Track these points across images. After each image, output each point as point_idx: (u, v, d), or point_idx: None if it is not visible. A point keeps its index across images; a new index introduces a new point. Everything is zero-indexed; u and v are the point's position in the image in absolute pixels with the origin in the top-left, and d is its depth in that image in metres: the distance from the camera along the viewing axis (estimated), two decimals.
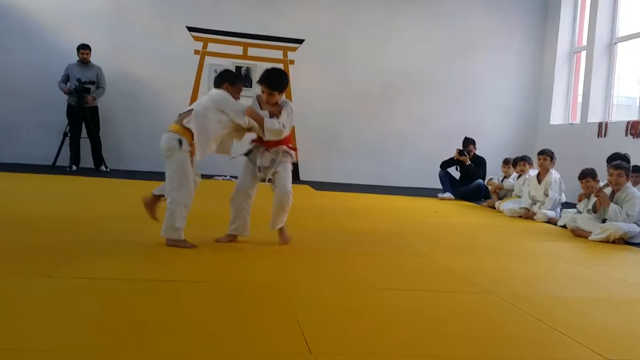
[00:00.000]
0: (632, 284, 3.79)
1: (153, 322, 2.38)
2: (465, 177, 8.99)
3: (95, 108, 9.24)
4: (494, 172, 8.76)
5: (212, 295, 2.85)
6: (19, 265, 3.12)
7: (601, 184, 5.83)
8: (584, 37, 10.14)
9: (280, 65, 10.22)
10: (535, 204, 7.02)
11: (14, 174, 7.80)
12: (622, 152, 6.51)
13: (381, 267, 3.75)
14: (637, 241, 5.41)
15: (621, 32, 9.35)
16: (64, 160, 9.01)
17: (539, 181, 7.01)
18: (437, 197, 8.77)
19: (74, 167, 8.98)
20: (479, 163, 8.97)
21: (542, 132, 10.73)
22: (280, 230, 4.19)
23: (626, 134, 8.41)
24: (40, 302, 2.55)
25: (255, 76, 10.17)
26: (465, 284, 3.42)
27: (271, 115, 4.07)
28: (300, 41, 10.26)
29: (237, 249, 3.94)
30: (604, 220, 5.54)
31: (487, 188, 8.47)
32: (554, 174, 6.94)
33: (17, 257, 3.29)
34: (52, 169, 8.86)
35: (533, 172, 7.32)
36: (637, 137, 8.20)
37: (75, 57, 9.16)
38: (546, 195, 6.90)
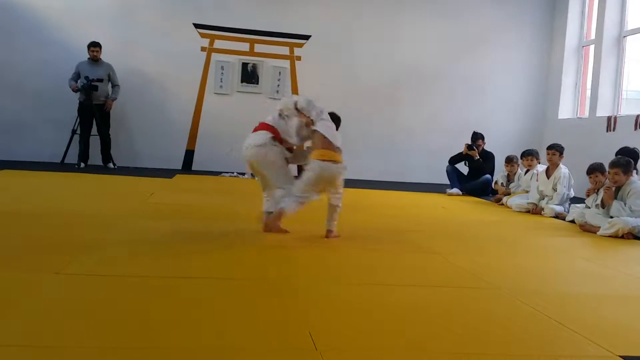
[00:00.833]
0: None
1: (160, 318, 2.39)
2: (474, 172, 8.96)
3: (103, 105, 9.24)
4: (500, 168, 8.71)
5: (219, 291, 2.85)
6: (28, 262, 3.14)
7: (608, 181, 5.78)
8: (593, 31, 10.06)
9: (287, 62, 10.25)
10: (543, 199, 6.98)
11: (22, 171, 7.83)
12: (631, 146, 6.45)
13: (389, 264, 3.75)
14: None
15: (630, 25, 9.26)
16: (73, 157, 9.05)
17: (548, 176, 6.97)
18: (445, 192, 8.74)
19: (82, 165, 9.01)
20: (488, 158, 8.92)
21: (550, 126, 10.67)
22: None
23: (635, 128, 8.34)
24: (48, 299, 2.56)
25: (262, 72, 10.20)
26: (474, 280, 3.41)
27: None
28: (306, 37, 10.25)
29: (245, 247, 3.94)
30: (612, 216, 5.51)
31: (494, 182, 8.44)
32: (563, 169, 6.89)
33: (26, 254, 3.31)
34: (61, 166, 8.89)
35: (541, 167, 7.28)
36: None
37: (85, 55, 9.17)
38: (555, 190, 6.86)
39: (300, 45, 10.25)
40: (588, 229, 5.61)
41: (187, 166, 9.97)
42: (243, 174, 8.96)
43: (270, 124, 4.41)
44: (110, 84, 9.26)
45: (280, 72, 10.23)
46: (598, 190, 5.88)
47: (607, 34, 9.35)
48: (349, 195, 7.59)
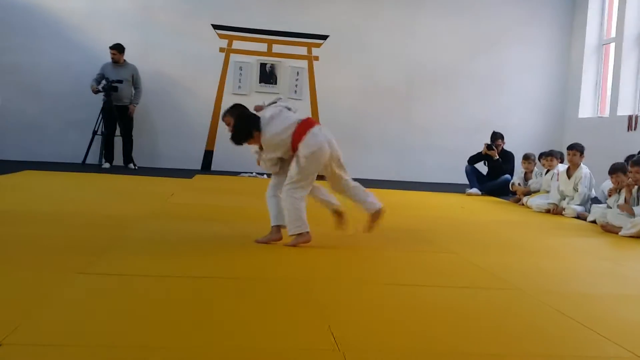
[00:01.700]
0: None
1: (182, 317, 2.42)
2: (493, 172, 8.91)
3: (127, 107, 9.34)
4: (519, 168, 8.67)
5: (240, 291, 2.88)
6: (52, 262, 3.18)
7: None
8: (613, 29, 9.95)
9: (305, 62, 10.28)
10: (564, 199, 6.93)
11: (44, 172, 7.94)
12: None
13: (408, 264, 3.75)
14: None
15: None
16: (94, 158, 9.16)
17: (569, 176, 6.91)
18: (464, 192, 8.71)
19: (107, 165, 9.12)
20: (507, 158, 8.88)
21: (570, 126, 10.58)
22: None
23: None
24: (73, 299, 2.60)
25: (280, 73, 10.24)
26: (494, 281, 3.40)
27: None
28: (324, 37, 10.27)
29: (265, 247, 3.96)
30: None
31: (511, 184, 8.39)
32: (584, 169, 6.83)
33: (49, 254, 3.36)
34: (82, 166, 9.00)
35: (562, 167, 7.22)
36: None
37: (107, 57, 9.27)
38: (576, 190, 6.80)
39: (318, 45, 10.27)
40: (610, 230, 5.56)
41: (206, 166, 10.05)
42: (262, 174, 9.01)
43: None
44: (132, 87, 9.36)
45: (298, 72, 10.27)
46: (620, 190, 5.82)
47: (628, 32, 9.26)
48: None
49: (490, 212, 6.97)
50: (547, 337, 2.47)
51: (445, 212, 6.52)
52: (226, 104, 10.03)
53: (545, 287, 3.30)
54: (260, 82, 10.16)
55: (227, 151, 9.77)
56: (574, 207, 6.68)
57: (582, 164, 6.87)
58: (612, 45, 9.90)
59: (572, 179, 6.85)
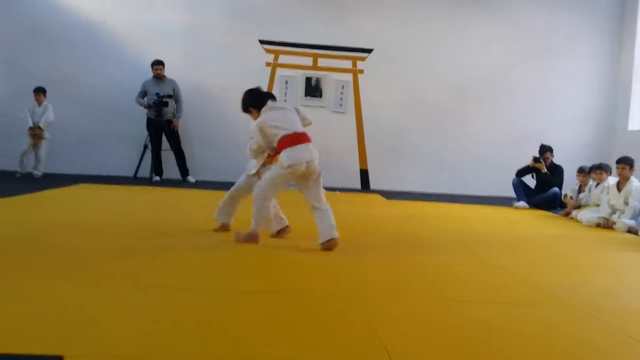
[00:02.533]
0: None
1: (231, 331, 2.45)
2: (541, 185, 8.80)
3: (171, 122, 9.55)
4: (569, 181, 8.54)
5: (288, 304, 2.89)
6: (106, 273, 3.26)
7: None
8: None
9: (350, 75, 10.36)
10: (614, 213, 6.80)
11: (97, 185, 8.20)
12: None
13: (455, 278, 3.74)
14: None
15: None
16: (144, 171, 9.41)
17: (619, 189, 6.79)
18: (511, 206, 8.63)
19: (158, 178, 9.37)
20: (557, 171, 8.76)
21: (620, 138, 10.35)
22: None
23: None
24: (130, 311, 2.65)
25: (326, 86, 10.35)
26: (543, 296, 3.37)
27: None
28: (369, 51, 10.34)
29: (310, 258, 4.01)
30: None
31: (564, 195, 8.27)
32: (634, 182, 6.70)
33: (104, 265, 3.44)
34: (134, 180, 9.25)
35: (612, 180, 7.09)
36: None
37: (151, 72, 9.54)
38: (626, 204, 6.67)
39: (363, 59, 10.35)
40: None
41: None
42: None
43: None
44: (174, 101, 9.58)
45: (343, 86, 10.35)
46: None
47: None
48: (412, 208, 7.62)
49: (538, 225, 6.88)
50: (602, 355, 2.44)
51: (491, 226, 6.46)
52: None
53: (597, 303, 3.26)
54: (305, 96, 10.29)
55: None
56: (625, 221, 6.55)
57: (632, 177, 6.74)
58: None
59: (623, 192, 6.73)
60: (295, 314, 2.74)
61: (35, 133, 9.00)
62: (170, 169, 9.70)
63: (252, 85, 5.03)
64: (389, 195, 9.37)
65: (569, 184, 8.36)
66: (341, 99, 10.35)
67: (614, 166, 7.13)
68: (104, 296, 2.82)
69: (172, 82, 9.56)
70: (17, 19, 9.79)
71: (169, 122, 9.46)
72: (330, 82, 10.34)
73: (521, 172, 8.94)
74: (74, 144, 9.84)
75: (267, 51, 10.19)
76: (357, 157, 10.40)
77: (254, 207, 4.36)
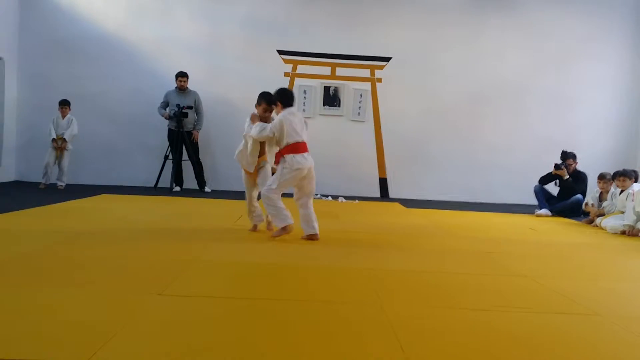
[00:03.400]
0: None
1: (257, 339, 2.46)
2: (564, 193, 8.69)
3: (191, 133, 9.63)
4: (593, 188, 8.42)
5: (311, 313, 2.90)
6: (131, 283, 3.31)
7: None
8: None
9: (368, 84, 10.35)
10: None
11: (120, 195, 8.27)
12: None
13: (478, 287, 3.69)
14: None
15: None
16: (165, 182, 9.49)
17: None
18: (533, 213, 8.53)
19: (178, 188, 9.44)
20: (580, 178, 8.64)
21: None
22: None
23: None
24: (154, 320, 2.68)
25: (344, 95, 10.36)
26: (569, 305, 3.32)
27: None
28: (387, 59, 10.33)
29: (330, 267, 4.00)
30: None
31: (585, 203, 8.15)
32: None
33: (128, 275, 3.50)
34: (155, 190, 9.33)
35: (637, 187, 6.97)
36: None
37: (173, 84, 9.63)
38: None
39: (381, 68, 10.34)
40: None
41: None
42: (327, 196, 9.10)
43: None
44: (195, 112, 9.65)
45: (361, 94, 10.35)
46: None
47: None
48: (432, 217, 7.57)
49: (561, 233, 6.78)
50: None
51: (513, 234, 6.39)
52: None
53: (624, 313, 3.19)
54: (324, 105, 10.31)
55: None
56: None
57: None
58: None
59: None
60: (320, 323, 2.74)
61: (59, 145, 9.11)
62: (191, 179, 9.77)
63: None
64: (409, 203, 9.32)
65: (592, 191, 8.24)
66: (359, 107, 10.35)
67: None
68: (129, 305, 2.84)
69: (194, 93, 9.63)
70: (42, 33, 9.95)
71: (189, 133, 9.54)
72: (348, 91, 10.35)
73: (544, 180, 8.85)
74: (97, 155, 9.97)
75: (286, 61, 10.23)
76: (376, 166, 10.38)
77: (268, 208, 5.04)
